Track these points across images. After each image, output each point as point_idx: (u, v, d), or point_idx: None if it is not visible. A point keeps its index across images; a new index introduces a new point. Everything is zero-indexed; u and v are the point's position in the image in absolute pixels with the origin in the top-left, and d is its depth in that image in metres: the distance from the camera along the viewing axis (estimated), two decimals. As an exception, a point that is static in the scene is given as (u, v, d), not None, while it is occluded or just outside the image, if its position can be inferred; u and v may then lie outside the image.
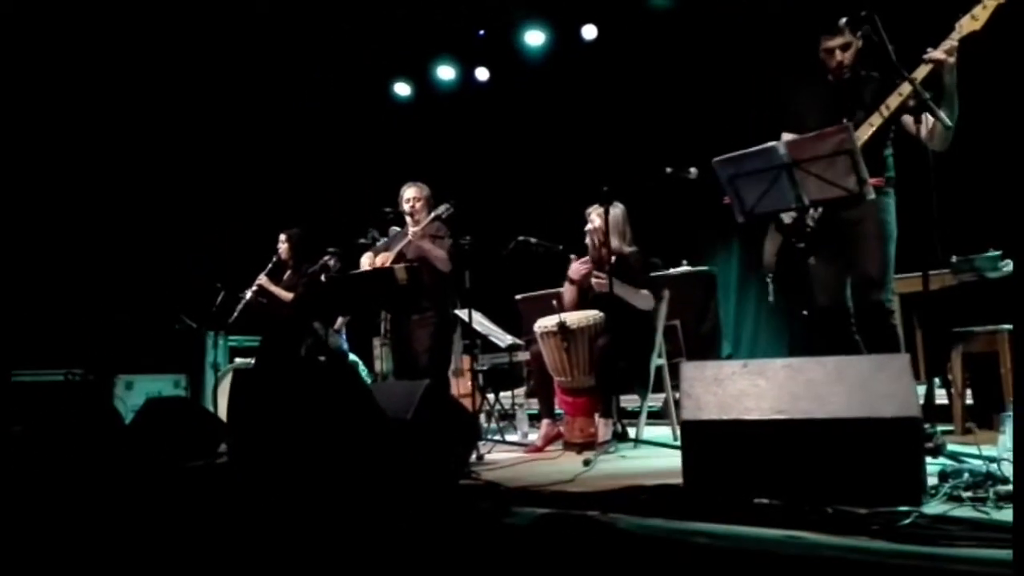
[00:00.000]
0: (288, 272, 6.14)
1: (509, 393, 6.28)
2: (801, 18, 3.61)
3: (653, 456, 3.73)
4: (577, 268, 4.44)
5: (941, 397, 4.14)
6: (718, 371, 2.48)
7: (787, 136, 3.66)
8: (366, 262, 4.89)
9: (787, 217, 3.47)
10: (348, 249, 5.39)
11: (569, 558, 2.11)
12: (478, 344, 6.02)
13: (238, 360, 7.17)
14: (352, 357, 6.28)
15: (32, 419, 4.52)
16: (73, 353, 6.89)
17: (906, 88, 3.21)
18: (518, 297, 6.97)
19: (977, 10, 3.15)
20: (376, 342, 7.30)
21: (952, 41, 3.17)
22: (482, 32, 8.39)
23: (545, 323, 4.26)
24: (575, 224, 4.64)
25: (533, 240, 5.06)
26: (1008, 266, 4.13)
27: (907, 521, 1.88)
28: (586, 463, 3.45)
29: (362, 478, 3.08)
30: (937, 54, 3.17)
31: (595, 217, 4.44)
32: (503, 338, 5.86)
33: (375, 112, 9.04)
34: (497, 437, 4.92)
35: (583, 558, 2.08)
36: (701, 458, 2.43)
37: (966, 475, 2.32)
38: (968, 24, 3.18)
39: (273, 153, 8.75)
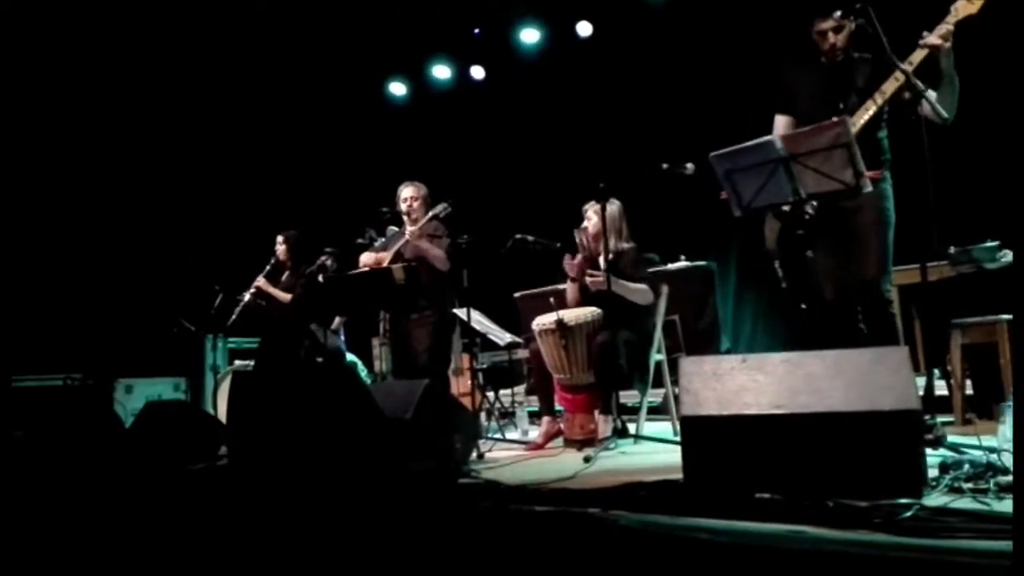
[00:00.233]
0: (286, 273, 6.13)
1: (509, 391, 6.28)
2: (795, 5, 3.59)
3: (653, 452, 3.72)
4: (570, 265, 4.43)
5: (941, 388, 4.14)
6: (717, 366, 2.48)
7: (780, 119, 3.66)
8: (367, 261, 4.89)
9: (785, 205, 3.46)
10: (346, 249, 5.39)
11: (571, 556, 2.11)
12: (477, 343, 6.03)
13: (237, 362, 7.16)
14: (351, 357, 6.28)
15: (33, 424, 4.52)
16: (72, 358, 6.89)
17: (901, 75, 3.20)
18: (517, 295, 6.97)
19: None
20: (375, 342, 7.30)
21: (947, 25, 3.16)
22: (477, 31, 8.39)
23: (543, 321, 4.26)
24: (572, 221, 4.63)
25: (530, 238, 5.05)
26: (1006, 256, 4.12)
27: (908, 514, 1.87)
28: (586, 460, 3.44)
29: (361, 479, 3.08)
30: (932, 39, 3.16)
31: (592, 214, 4.43)
32: (502, 336, 5.86)
33: (371, 112, 9.03)
34: (497, 435, 4.92)
35: (585, 557, 2.08)
36: (701, 453, 2.43)
37: (967, 466, 2.31)
38: (964, 7, 3.17)
39: (269, 154, 8.74)
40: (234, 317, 6.24)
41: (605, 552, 2.06)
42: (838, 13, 3.37)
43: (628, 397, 4.60)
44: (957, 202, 4.28)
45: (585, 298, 4.43)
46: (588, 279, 4.29)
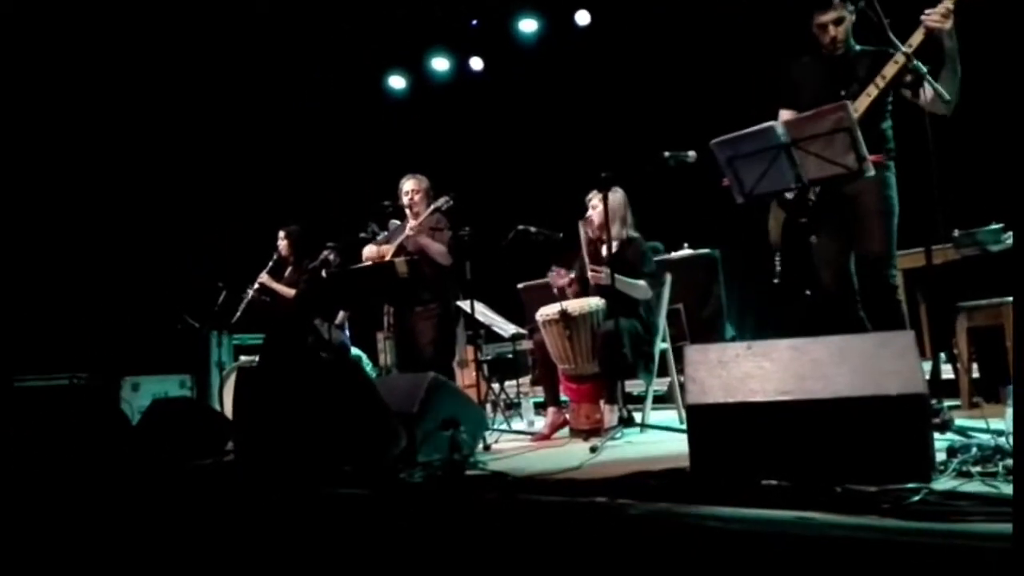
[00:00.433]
0: (289, 269, 6.13)
1: (514, 382, 6.28)
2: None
3: (659, 441, 3.72)
4: (555, 280, 4.40)
5: (947, 372, 4.13)
6: (722, 354, 2.47)
7: (784, 113, 3.64)
8: (369, 255, 4.89)
9: (788, 193, 3.45)
10: (348, 244, 5.38)
11: (579, 545, 2.11)
12: (481, 334, 6.02)
13: (243, 358, 7.17)
14: (355, 351, 6.28)
15: (38, 424, 4.54)
16: (78, 357, 6.90)
17: (903, 57, 3.18)
18: (520, 286, 6.96)
19: None
20: (379, 336, 7.30)
21: (947, 4, 3.14)
22: (475, 22, 8.35)
23: (547, 311, 4.25)
24: (574, 212, 4.62)
25: (533, 229, 5.05)
26: (1010, 239, 4.11)
27: (917, 498, 1.86)
28: (593, 450, 3.44)
29: (366, 471, 3.08)
30: (933, 19, 3.14)
31: (596, 203, 4.42)
32: (506, 328, 5.86)
33: (371, 105, 9.01)
34: (503, 426, 4.92)
35: (593, 546, 2.08)
36: (707, 442, 2.42)
37: (974, 450, 2.30)
38: None
39: (270, 150, 8.72)
40: (238, 313, 6.25)
41: (613, 541, 2.06)
42: None
43: (633, 386, 4.60)
44: (961, 185, 4.25)
45: (587, 288, 4.42)
46: (590, 274, 4.28)
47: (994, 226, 4.14)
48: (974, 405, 3.82)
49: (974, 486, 2.05)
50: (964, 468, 2.19)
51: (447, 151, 8.12)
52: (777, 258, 3.50)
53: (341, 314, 6.20)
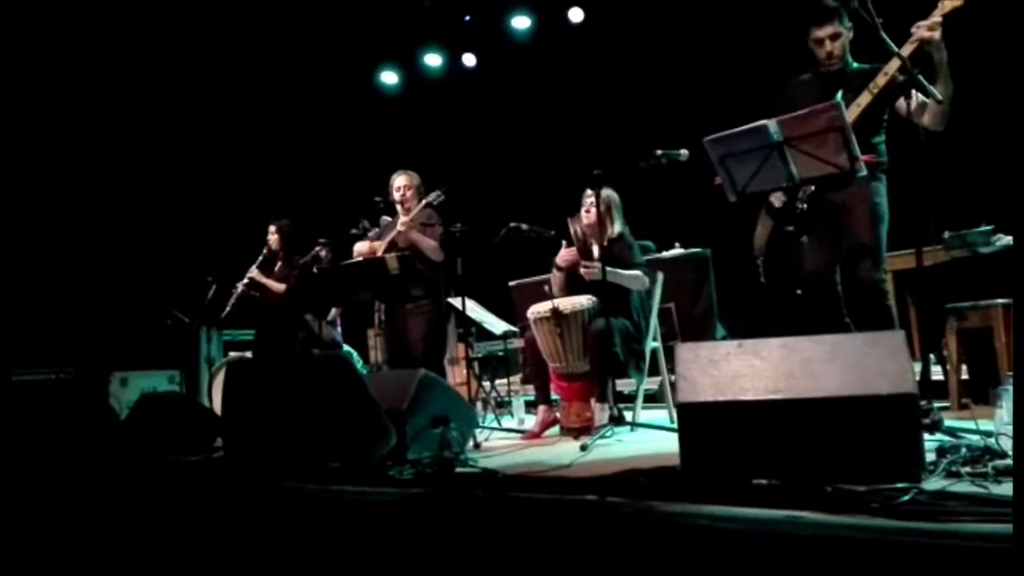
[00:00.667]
0: (279, 264, 6.11)
1: (504, 380, 6.28)
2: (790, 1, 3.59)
3: (650, 439, 3.72)
4: (564, 255, 4.43)
5: (937, 373, 4.15)
6: (713, 352, 2.46)
7: None
8: (361, 251, 4.87)
9: (777, 201, 3.46)
10: (339, 239, 5.36)
11: (569, 544, 2.10)
12: (472, 332, 6.02)
13: (232, 354, 7.14)
14: (346, 348, 6.27)
15: (25, 419, 4.50)
16: (66, 352, 6.86)
17: (893, 65, 3.19)
18: (511, 284, 6.95)
19: None
20: (370, 332, 7.29)
21: (935, 17, 3.15)
22: (468, 18, 8.34)
23: (538, 309, 4.25)
24: (567, 209, 4.61)
25: (525, 226, 5.03)
26: (1000, 240, 4.13)
27: (907, 498, 1.87)
28: (583, 448, 3.44)
29: (356, 468, 3.07)
30: (921, 31, 3.15)
31: (588, 201, 4.41)
32: (497, 325, 5.85)
33: (363, 101, 8.99)
34: (493, 424, 4.91)
35: (583, 544, 2.08)
36: (698, 440, 2.42)
37: (964, 450, 2.31)
38: (951, 0, 3.16)
39: (262, 144, 8.68)
40: (228, 308, 6.22)
41: (603, 540, 2.05)
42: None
43: (624, 385, 4.60)
44: (951, 187, 4.27)
45: (579, 286, 4.42)
46: (582, 269, 4.28)
47: (984, 228, 4.15)
48: (963, 406, 3.84)
49: (963, 486, 2.05)
50: (953, 468, 2.20)
51: (439, 148, 8.10)
52: (760, 262, 3.51)
53: (334, 311, 6.18)
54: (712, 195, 3.42)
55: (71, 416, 4.53)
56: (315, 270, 5.51)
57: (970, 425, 2.79)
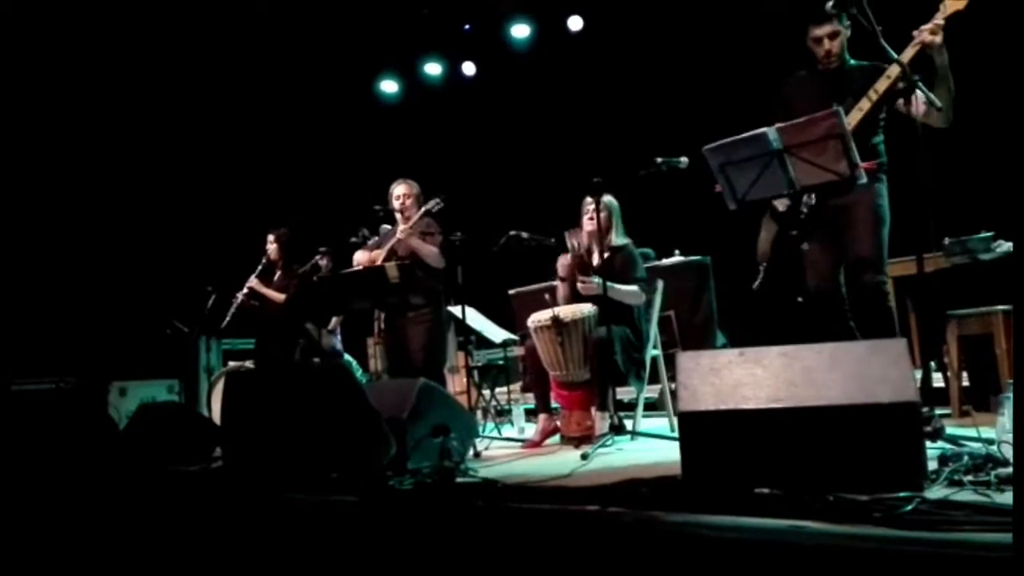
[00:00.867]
0: (278, 273, 6.10)
1: (505, 389, 6.26)
2: (789, 3, 3.59)
3: (650, 448, 3.71)
4: (562, 264, 4.42)
5: (937, 380, 4.14)
6: (714, 360, 2.45)
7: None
8: (360, 260, 4.86)
9: (781, 205, 3.46)
10: (339, 249, 5.36)
11: (570, 555, 2.09)
12: (472, 340, 6.01)
13: (231, 363, 7.13)
14: (346, 357, 6.25)
15: (24, 429, 4.48)
16: (65, 361, 6.84)
17: (894, 70, 3.20)
18: (511, 292, 6.94)
19: None
20: (370, 341, 7.28)
21: (937, 21, 3.15)
22: (468, 27, 8.35)
23: (539, 317, 4.24)
24: (566, 217, 4.61)
25: (525, 235, 5.03)
26: (1001, 247, 4.12)
27: (910, 507, 1.85)
28: (584, 457, 3.43)
29: (356, 478, 3.06)
30: (923, 35, 3.15)
31: (590, 209, 4.40)
32: (497, 334, 5.84)
33: (363, 110, 9.00)
34: (494, 433, 4.90)
35: (584, 555, 2.06)
36: (700, 449, 2.41)
37: (966, 458, 2.30)
38: (952, 4, 3.17)
39: (261, 153, 8.69)
40: (227, 318, 6.21)
41: (604, 550, 2.04)
42: (830, 4, 3.36)
43: (624, 393, 4.59)
44: (951, 193, 4.27)
45: (577, 295, 4.41)
46: (580, 285, 4.27)
47: (984, 234, 4.15)
48: (964, 413, 3.83)
49: (966, 495, 2.04)
50: (956, 477, 2.18)
51: (439, 156, 8.11)
52: (762, 268, 3.50)
53: (335, 320, 6.17)
54: (712, 203, 3.42)
55: (70, 426, 4.51)
56: (315, 279, 5.50)
57: (972, 432, 2.77)
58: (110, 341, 7.39)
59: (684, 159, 3.92)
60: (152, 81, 8.01)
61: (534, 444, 4.28)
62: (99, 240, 7.89)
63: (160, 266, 8.01)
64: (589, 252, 4.47)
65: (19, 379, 6.44)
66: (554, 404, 4.41)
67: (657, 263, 6.04)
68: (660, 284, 4.60)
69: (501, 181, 8.05)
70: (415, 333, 4.77)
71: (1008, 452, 2.30)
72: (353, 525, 2.65)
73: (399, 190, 4.93)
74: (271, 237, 6.11)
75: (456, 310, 5.25)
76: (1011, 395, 2.44)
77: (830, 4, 3.36)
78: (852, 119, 3.25)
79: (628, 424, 4.03)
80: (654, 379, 4.51)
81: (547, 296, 4.51)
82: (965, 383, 4.02)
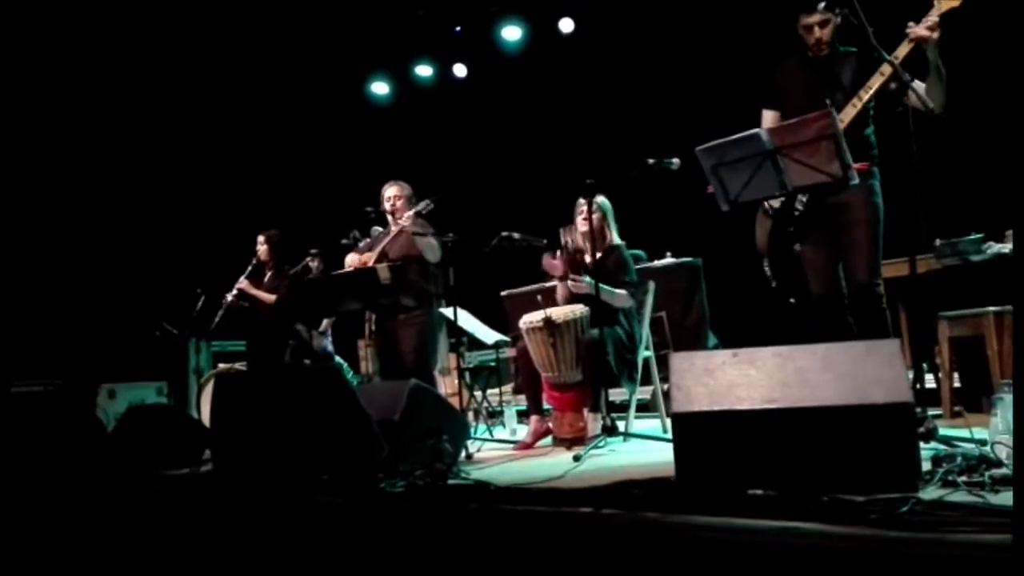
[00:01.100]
0: (269, 274, 6.07)
1: (496, 390, 6.24)
2: (786, 4, 3.59)
3: (643, 449, 3.70)
4: (551, 265, 4.40)
5: (929, 381, 4.15)
6: (708, 361, 2.45)
7: (767, 113, 3.65)
8: (352, 262, 4.84)
9: (775, 202, 3.45)
10: (330, 250, 5.33)
11: (563, 557, 2.08)
12: (464, 342, 5.99)
13: (221, 366, 7.09)
14: (337, 359, 6.22)
15: (12, 431, 4.45)
16: (54, 363, 6.79)
17: (888, 68, 3.20)
18: (504, 293, 6.93)
19: None
20: (361, 343, 7.25)
21: (933, 17, 3.16)
22: (459, 29, 8.34)
23: (531, 319, 4.23)
24: (558, 218, 4.60)
25: (516, 236, 5.01)
26: (991, 248, 4.13)
27: (905, 508, 1.85)
28: (576, 458, 3.42)
29: (347, 481, 3.04)
30: (919, 30, 3.16)
31: (583, 211, 4.39)
32: (489, 335, 5.82)
33: (354, 111, 8.97)
34: (485, 435, 4.88)
35: (577, 557, 2.05)
36: (693, 450, 2.40)
37: (959, 459, 2.30)
38: (947, 2, 3.17)
39: (252, 154, 8.65)
40: (217, 320, 6.17)
41: (598, 552, 2.03)
42: (822, 5, 3.36)
43: (616, 395, 4.58)
44: (942, 195, 4.28)
45: (580, 294, 4.40)
46: (570, 283, 4.26)
47: (975, 236, 4.16)
48: (956, 414, 3.83)
49: (961, 496, 2.04)
50: (950, 478, 2.18)
51: (430, 158, 8.09)
52: (766, 264, 3.50)
53: (326, 321, 6.14)
54: (704, 204, 3.41)
55: (58, 428, 4.48)
56: (305, 280, 5.48)
57: (964, 433, 2.78)
58: (99, 343, 7.34)
59: (676, 160, 3.92)
60: (141, 82, 7.97)
61: (526, 446, 4.27)
62: (87, 242, 7.84)
63: (149, 268, 7.96)
64: (582, 252, 4.46)
65: (14, 381, 6.40)
66: (546, 406, 4.40)
67: (649, 264, 6.03)
68: (652, 285, 4.60)
69: (493, 182, 8.04)
70: (406, 335, 4.75)
71: (1001, 453, 2.30)
72: (344, 528, 2.63)
73: (390, 191, 4.91)
74: (261, 238, 6.07)
75: (448, 311, 5.23)
76: (1003, 396, 2.45)
77: (822, 6, 3.37)
78: (846, 116, 3.26)
79: (620, 425, 4.02)
80: (646, 380, 4.51)
81: (539, 297, 4.50)
82: (956, 384, 4.02)
